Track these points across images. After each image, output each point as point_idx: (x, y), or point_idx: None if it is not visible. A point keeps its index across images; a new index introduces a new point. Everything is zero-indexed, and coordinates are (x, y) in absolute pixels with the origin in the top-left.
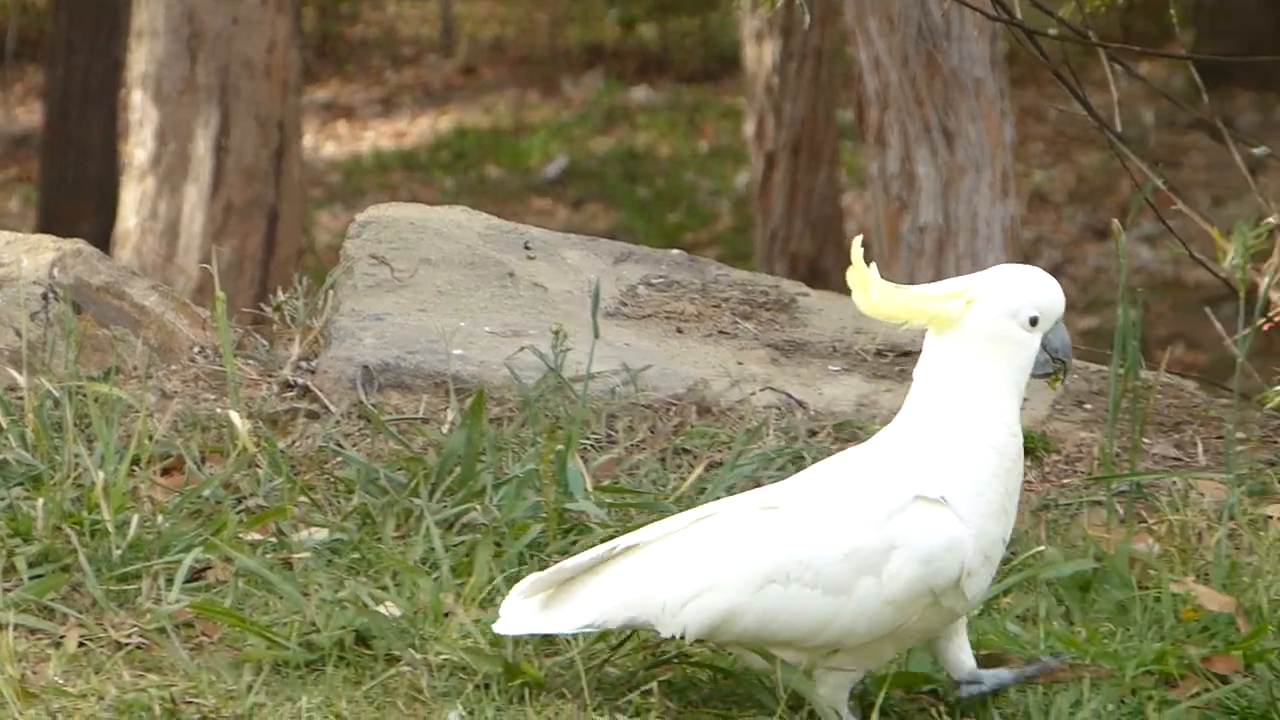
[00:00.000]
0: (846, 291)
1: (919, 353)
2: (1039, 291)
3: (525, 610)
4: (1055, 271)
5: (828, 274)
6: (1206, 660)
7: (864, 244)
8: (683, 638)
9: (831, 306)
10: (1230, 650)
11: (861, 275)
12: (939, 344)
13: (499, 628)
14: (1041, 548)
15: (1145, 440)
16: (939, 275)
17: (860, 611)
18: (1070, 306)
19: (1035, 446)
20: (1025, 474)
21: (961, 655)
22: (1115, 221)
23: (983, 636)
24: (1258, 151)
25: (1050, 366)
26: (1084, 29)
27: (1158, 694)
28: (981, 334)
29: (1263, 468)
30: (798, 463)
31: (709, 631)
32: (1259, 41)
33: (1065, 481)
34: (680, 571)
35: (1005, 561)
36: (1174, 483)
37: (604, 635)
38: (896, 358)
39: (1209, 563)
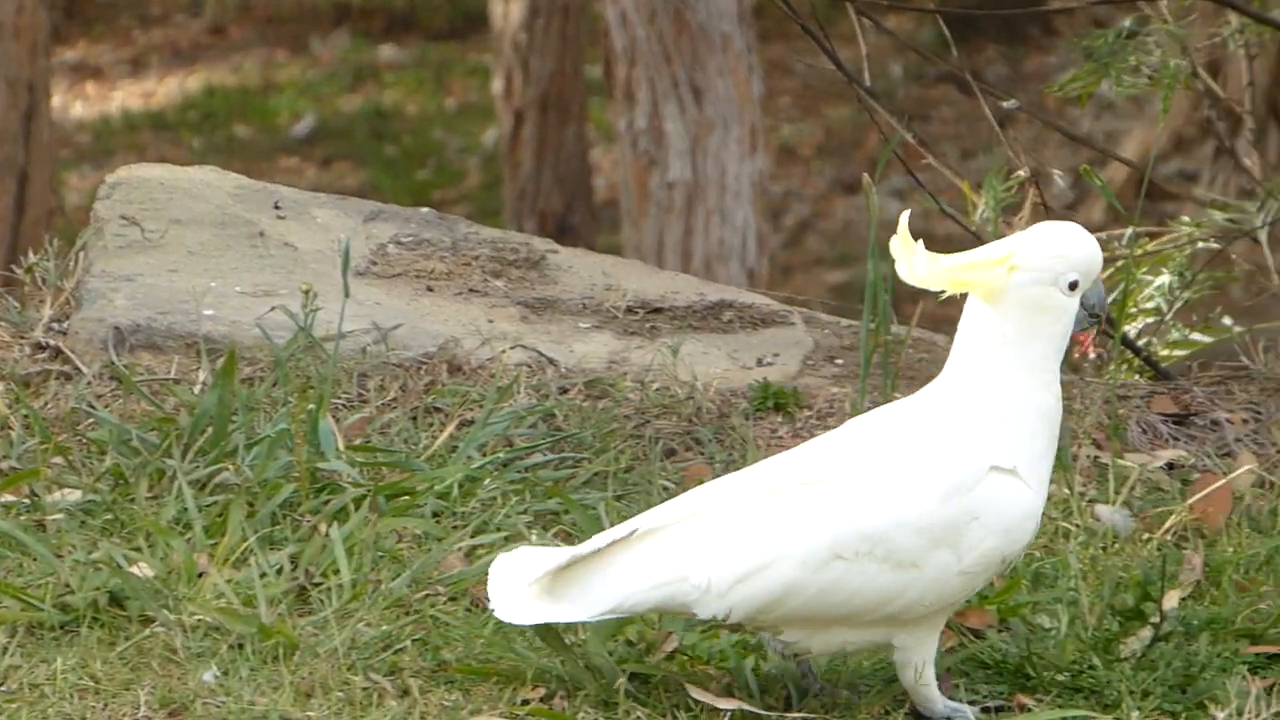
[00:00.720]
0: (595, 247)
1: (669, 310)
2: (1079, 253)
3: (523, 599)
4: (804, 227)
5: (577, 230)
6: (961, 615)
7: (615, 198)
8: (724, 619)
9: (581, 263)
10: (985, 605)
11: (907, 246)
12: (981, 308)
13: (504, 616)
14: None
15: (897, 395)
16: (688, 231)
17: (931, 584)
18: (819, 261)
19: (787, 402)
20: (777, 429)
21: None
22: (865, 176)
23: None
24: (1007, 104)
25: (1087, 323)
26: None
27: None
28: (1026, 301)
29: None
30: (549, 419)
31: (757, 611)
32: None
33: (794, 439)
34: (726, 550)
35: None
36: None
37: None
38: (647, 314)
39: None
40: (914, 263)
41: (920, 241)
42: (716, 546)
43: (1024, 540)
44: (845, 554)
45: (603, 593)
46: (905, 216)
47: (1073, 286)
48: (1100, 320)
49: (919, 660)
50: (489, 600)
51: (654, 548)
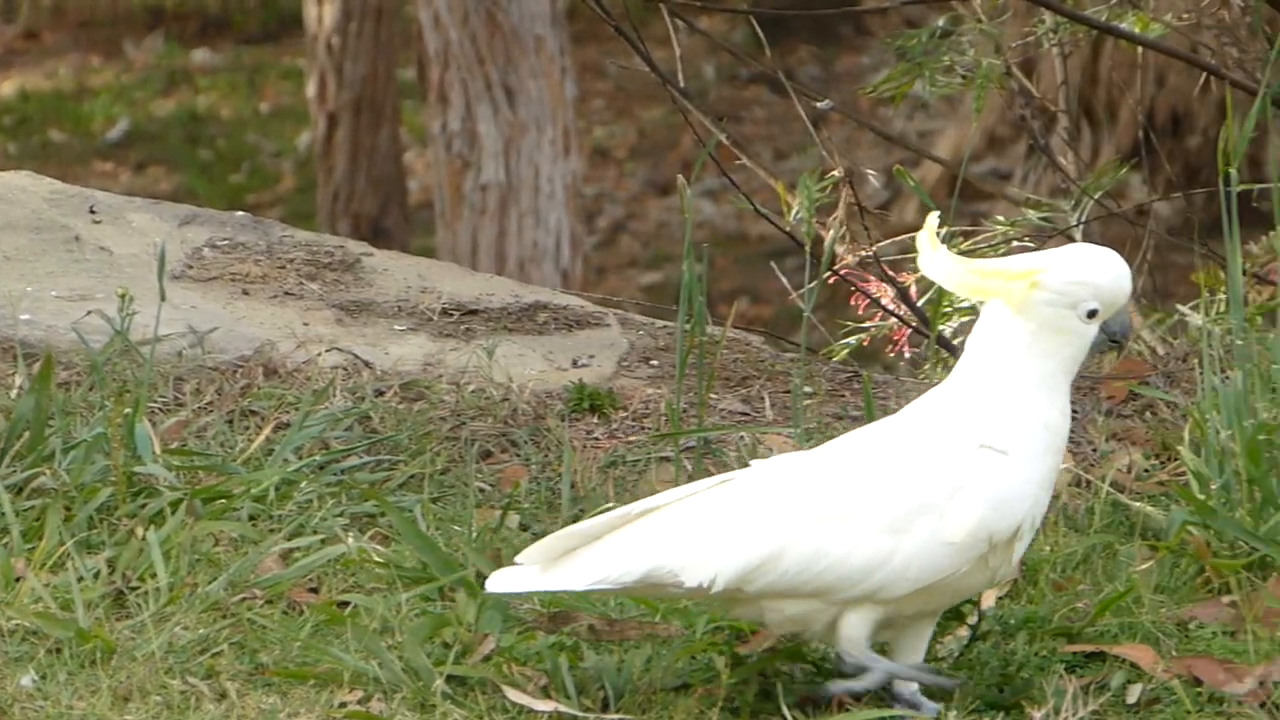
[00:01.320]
0: (409, 250)
1: (484, 312)
2: (1104, 283)
3: (524, 575)
4: (617, 228)
5: (391, 233)
6: None
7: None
8: (709, 586)
9: (396, 266)
10: None
11: (933, 243)
12: (998, 319)
13: (492, 586)
14: (610, 504)
15: (712, 395)
16: (502, 233)
17: (915, 554)
18: (633, 262)
19: (603, 403)
20: (593, 430)
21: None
22: (680, 177)
23: (552, 596)
24: (820, 105)
25: (1105, 346)
26: None
27: (728, 650)
28: (1041, 319)
29: (829, 421)
30: (365, 422)
31: (742, 578)
32: None
33: (632, 438)
34: (716, 520)
35: (573, 519)
36: (741, 437)
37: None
38: (462, 316)
39: None
40: (937, 260)
41: (941, 242)
42: (707, 518)
43: (1013, 519)
44: (830, 516)
45: (596, 564)
46: (934, 216)
47: (1091, 314)
48: (1121, 347)
49: (915, 635)
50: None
51: (647, 525)
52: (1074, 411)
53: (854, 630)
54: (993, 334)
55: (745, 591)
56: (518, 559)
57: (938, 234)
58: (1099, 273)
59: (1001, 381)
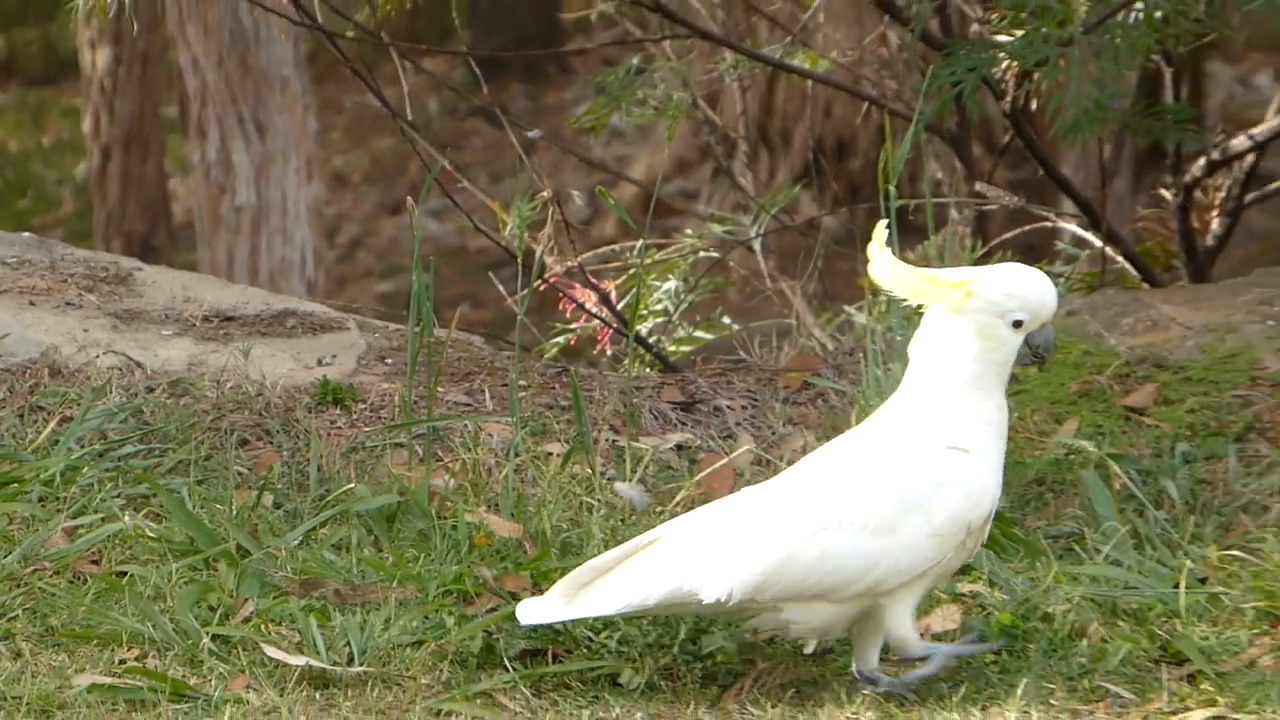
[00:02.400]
0: (174, 265)
1: (240, 318)
2: (1030, 296)
3: (551, 606)
4: (354, 244)
5: (158, 250)
6: (499, 579)
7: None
8: (727, 600)
9: (163, 279)
10: (519, 570)
11: (881, 249)
12: (939, 324)
13: (524, 618)
14: (352, 485)
15: (440, 389)
16: (254, 249)
17: (906, 549)
18: (368, 273)
19: (344, 396)
20: (336, 420)
21: (871, 652)
22: (409, 199)
23: (303, 564)
24: (530, 134)
25: (1030, 359)
26: (377, 31)
27: (457, 610)
28: (973, 325)
29: (542, 410)
30: (138, 415)
31: (756, 588)
32: (528, 39)
33: (370, 427)
34: (724, 539)
35: (320, 499)
36: (466, 425)
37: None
38: (221, 322)
39: (498, 494)
40: (885, 265)
41: (889, 251)
42: (718, 537)
43: (983, 507)
44: (829, 524)
45: (621, 591)
46: (882, 226)
47: (1017, 324)
48: (1043, 360)
49: (898, 614)
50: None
51: (660, 551)
52: (755, 399)
53: (901, 629)
54: (932, 341)
55: (759, 600)
56: (553, 591)
57: (884, 244)
58: (1026, 288)
59: (945, 385)
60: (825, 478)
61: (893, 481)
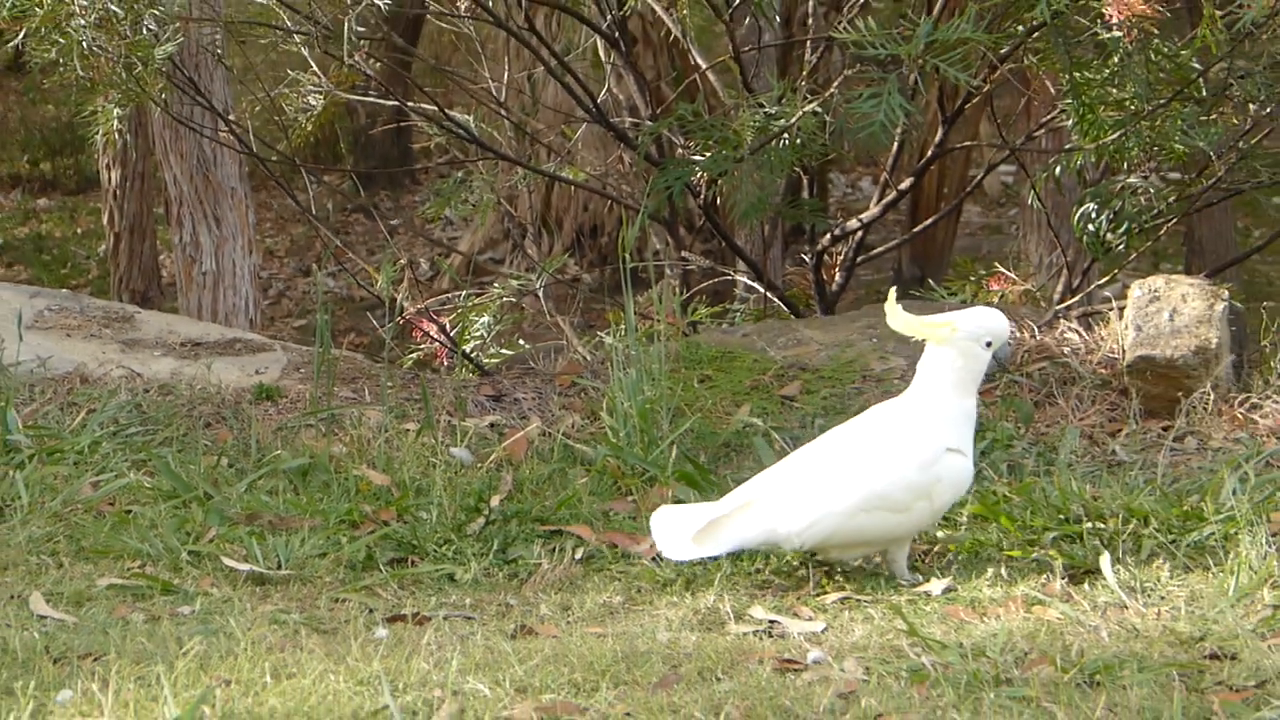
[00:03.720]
0: (164, 310)
1: (206, 344)
2: (995, 326)
3: (683, 545)
4: (280, 295)
5: (153, 301)
6: (377, 512)
7: (170, 282)
8: (800, 547)
9: (155, 319)
10: (387, 506)
11: (893, 308)
12: (934, 351)
13: (672, 556)
14: (279, 452)
15: (335, 389)
16: (215, 300)
17: (915, 520)
18: (289, 314)
19: (273, 394)
20: (268, 410)
21: (900, 568)
22: (314, 266)
23: (248, 504)
24: (394, 222)
25: (995, 367)
26: (292, 157)
27: (348, 533)
28: (958, 349)
29: (403, 401)
30: (138, 408)
31: (819, 544)
32: (390, 160)
33: (290, 414)
34: (799, 509)
35: (258, 461)
36: (352, 412)
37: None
38: (194, 346)
39: (375, 456)
40: (898, 317)
41: (900, 305)
42: (793, 507)
43: (966, 490)
44: (866, 508)
45: (730, 538)
46: (893, 292)
47: (988, 345)
48: (1003, 367)
49: (900, 555)
50: (655, 544)
51: (757, 510)
52: (540, 393)
53: (898, 567)
54: (931, 362)
55: (820, 548)
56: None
57: (895, 301)
58: (992, 321)
59: (938, 390)
60: (866, 466)
61: (909, 478)
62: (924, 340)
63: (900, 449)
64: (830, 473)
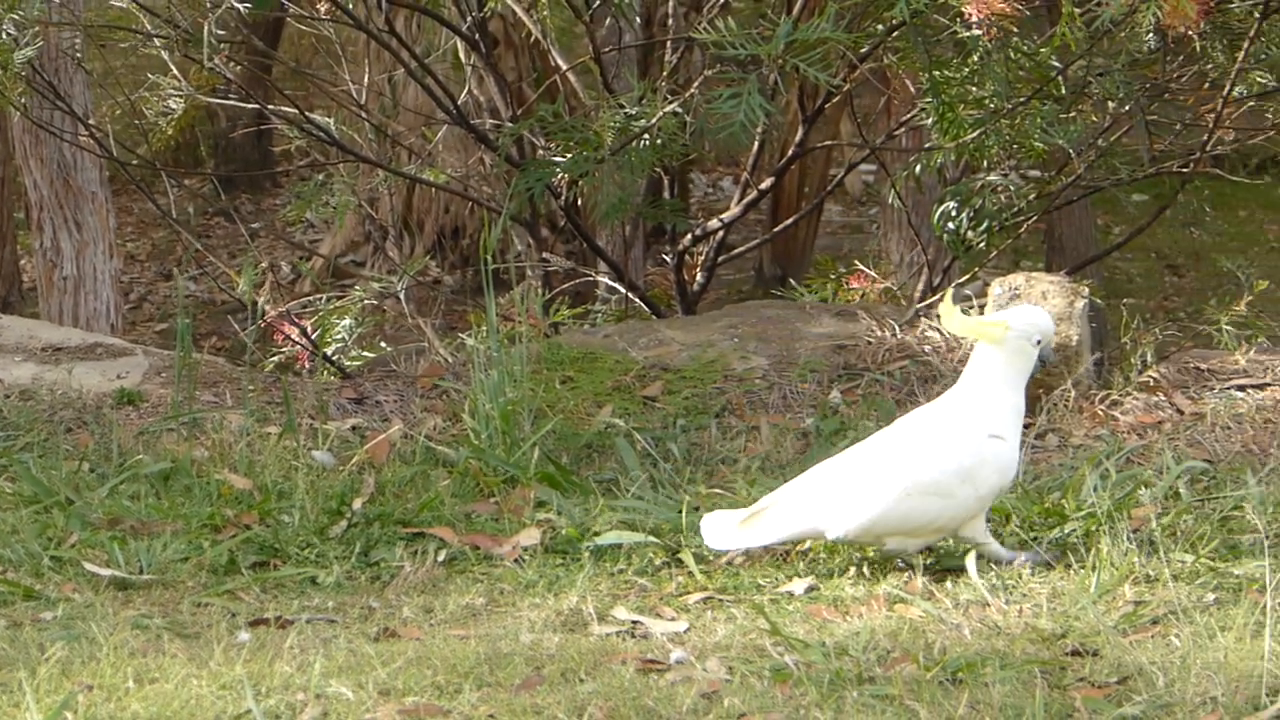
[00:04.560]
0: (24, 315)
1: (67, 349)
2: (1043, 325)
3: (728, 535)
4: (141, 300)
5: (14, 306)
6: (240, 516)
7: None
8: (844, 537)
9: (16, 324)
10: (249, 510)
11: (949, 309)
12: (985, 349)
13: (715, 545)
14: (140, 456)
15: (197, 393)
16: (76, 304)
17: (960, 506)
18: (151, 318)
19: (135, 399)
20: (130, 414)
21: (987, 549)
22: (175, 270)
23: (110, 509)
24: (255, 226)
25: (1038, 364)
26: (153, 161)
27: (210, 537)
28: (1011, 347)
29: (264, 405)
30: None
31: (863, 532)
32: (251, 164)
33: (152, 419)
34: (844, 497)
35: (120, 465)
36: (214, 416)
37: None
38: (54, 351)
39: (237, 460)
40: (952, 319)
41: (958, 306)
42: (837, 495)
43: (1010, 477)
44: (913, 493)
45: (776, 528)
46: (950, 292)
47: (1037, 343)
48: (1045, 364)
49: (979, 536)
50: (704, 538)
51: (804, 500)
52: (402, 396)
53: (982, 538)
54: (983, 360)
55: (864, 539)
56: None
57: (953, 304)
58: (1040, 319)
59: (990, 386)
60: (908, 454)
61: (953, 463)
62: (972, 342)
63: (944, 436)
64: (875, 460)
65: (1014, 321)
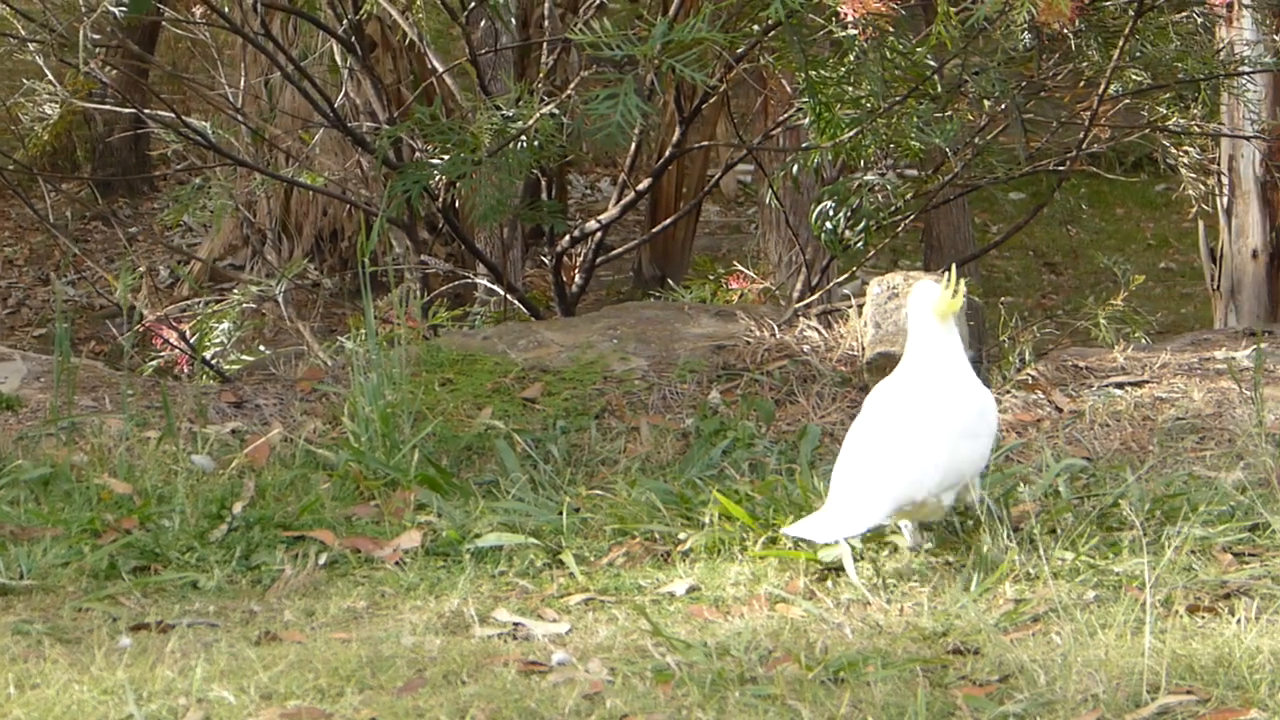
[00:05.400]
0: None
1: None
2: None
3: (817, 528)
4: (19, 304)
5: None
6: (120, 520)
7: None
8: (937, 493)
9: None
10: (129, 515)
11: (945, 295)
12: (932, 321)
13: (822, 539)
14: (20, 462)
15: (76, 397)
16: None
17: (985, 448)
18: (29, 323)
19: (13, 404)
20: (8, 420)
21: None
22: (53, 275)
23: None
24: (133, 230)
25: None
26: (29, 165)
27: (91, 542)
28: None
29: (144, 409)
30: None
31: (937, 486)
32: (128, 168)
33: (30, 424)
34: (912, 458)
35: (1, 471)
36: (93, 420)
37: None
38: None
39: (116, 465)
40: (943, 304)
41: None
42: (908, 461)
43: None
44: (959, 437)
45: (868, 513)
46: (954, 268)
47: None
48: None
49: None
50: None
51: (875, 480)
52: (282, 399)
53: (979, 495)
54: (933, 328)
55: (939, 490)
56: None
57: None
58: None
59: (955, 347)
60: (935, 405)
61: (974, 405)
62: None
63: (963, 384)
64: (911, 419)
65: (961, 288)
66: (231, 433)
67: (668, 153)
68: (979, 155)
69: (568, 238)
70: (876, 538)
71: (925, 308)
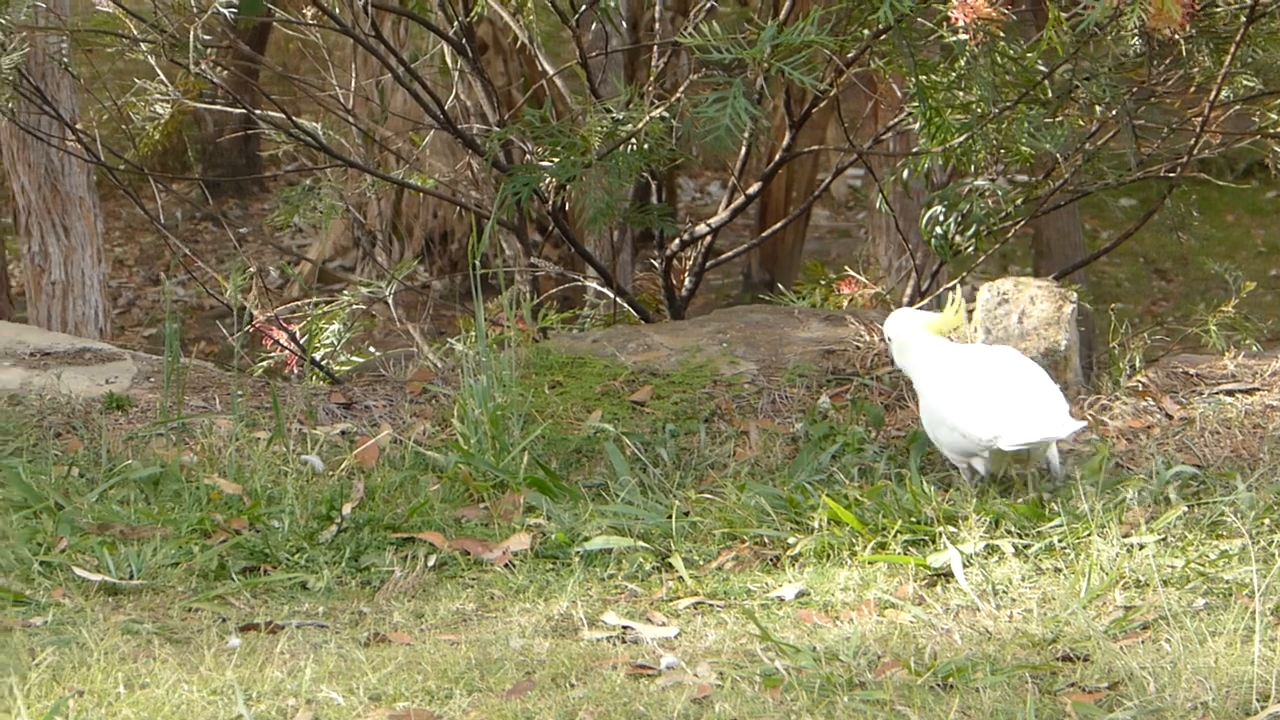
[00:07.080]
0: (12, 320)
1: (55, 354)
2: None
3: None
4: (129, 305)
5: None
6: (229, 521)
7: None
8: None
9: (4, 329)
10: (239, 515)
11: (957, 309)
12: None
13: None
14: (130, 461)
15: (186, 398)
16: (64, 310)
17: None
18: (139, 324)
19: (124, 404)
20: (119, 419)
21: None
22: (163, 275)
23: (99, 514)
24: (243, 230)
25: None
26: (140, 166)
27: (200, 542)
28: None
29: (253, 410)
30: None
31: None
32: (237, 169)
33: (141, 424)
34: (1047, 402)
35: (109, 471)
36: (203, 421)
37: None
38: (43, 356)
39: (226, 466)
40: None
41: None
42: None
43: None
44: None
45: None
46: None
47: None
48: None
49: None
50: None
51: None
52: (391, 401)
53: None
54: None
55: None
56: None
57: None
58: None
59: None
60: (1030, 363)
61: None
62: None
63: (993, 360)
64: (1022, 371)
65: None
66: (341, 434)
67: (777, 157)
68: (1089, 161)
69: (677, 241)
70: (988, 546)
71: (918, 328)
